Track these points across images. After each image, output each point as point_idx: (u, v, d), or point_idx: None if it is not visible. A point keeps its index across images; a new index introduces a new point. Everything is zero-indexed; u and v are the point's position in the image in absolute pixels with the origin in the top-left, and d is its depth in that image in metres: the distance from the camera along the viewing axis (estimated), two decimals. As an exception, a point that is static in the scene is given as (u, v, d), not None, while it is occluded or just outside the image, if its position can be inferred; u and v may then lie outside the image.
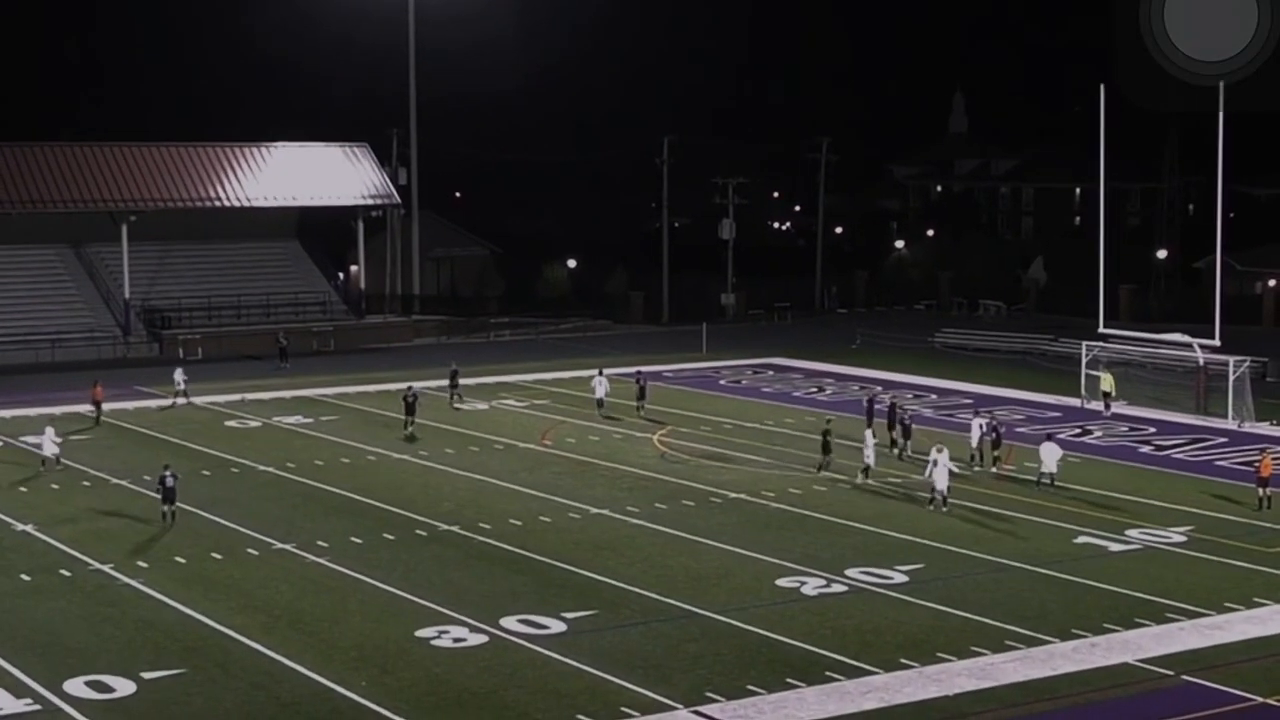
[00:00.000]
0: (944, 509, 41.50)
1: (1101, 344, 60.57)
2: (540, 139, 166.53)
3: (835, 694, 27.65)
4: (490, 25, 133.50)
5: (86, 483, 46.13)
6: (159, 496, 40.66)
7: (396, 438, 53.25)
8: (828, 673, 28.62)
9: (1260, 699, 27.32)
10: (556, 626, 31.49)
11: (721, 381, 67.85)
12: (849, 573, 35.43)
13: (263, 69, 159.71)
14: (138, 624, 31.95)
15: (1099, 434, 54.03)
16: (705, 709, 26.98)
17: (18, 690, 27.87)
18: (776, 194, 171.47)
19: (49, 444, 47.98)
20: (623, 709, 26.90)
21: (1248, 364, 56.67)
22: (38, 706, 27.18)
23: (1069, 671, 28.78)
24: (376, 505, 42.96)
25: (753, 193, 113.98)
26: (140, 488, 44.51)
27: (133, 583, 34.97)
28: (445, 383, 61.22)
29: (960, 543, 38.27)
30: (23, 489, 45.39)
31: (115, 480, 46.34)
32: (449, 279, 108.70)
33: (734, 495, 43.97)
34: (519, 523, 40.72)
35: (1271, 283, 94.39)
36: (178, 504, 40.57)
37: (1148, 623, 31.60)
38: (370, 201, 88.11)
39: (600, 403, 58.49)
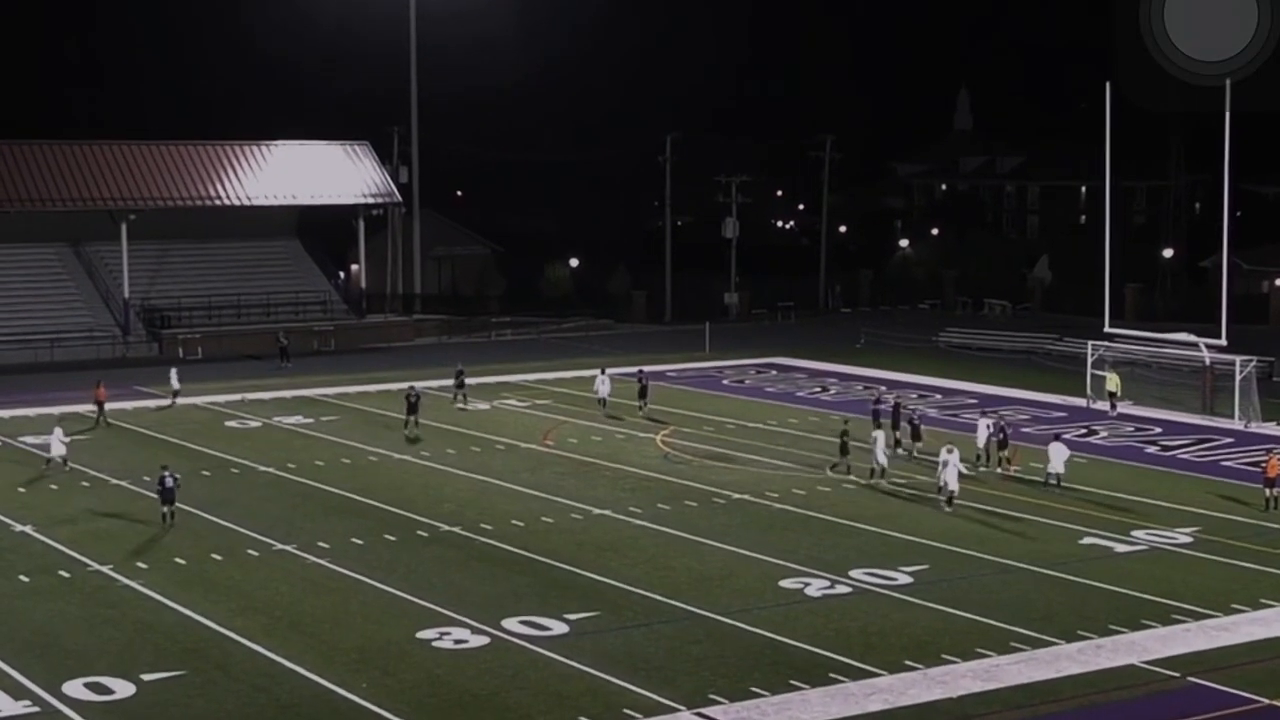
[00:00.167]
0: (948, 509, 41.28)
1: (1107, 343, 60.37)
2: (541, 137, 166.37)
3: (839, 696, 27.47)
4: (491, 23, 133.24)
5: (86, 483, 45.96)
6: (158, 498, 40.43)
7: (399, 438, 53.05)
8: (831, 674, 28.44)
9: (1267, 701, 27.13)
10: (559, 628, 31.31)
11: (724, 381, 67.67)
12: (853, 574, 35.25)
13: (263, 67, 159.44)
14: (137, 625, 31.78)
15: (1104, 434, 53.82)
16: (708, 711, 26.80)
17: (16, 692, 27.70)
18: (780, 192, 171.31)
19: (57, 444, 47.74)
20: (625, 711, 26.72)
21: (1254, 363, 56.44)
22: (36, 708, 27.01)
23: (1074, 673, 28.60)
24: (377, 506, 42.79)
25: (756, 191, 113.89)
26: (140, 488, 44.32)
27: (132, 584, 34.80)
28: (450, 382, 60.99)
29: (965, 544, 38.08)
30: (21, 489, 45.21)
31: (115, 481, 46.16)
32: (450, 278, 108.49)
33: (737, 496, 43.78)
34: (521, 523, 40.53)
35: (1278, 282, 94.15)
36: (177, 504, 40.36)
37: (1154, 624, 31.41)
38: (371, 200, 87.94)
39: (603, 402, 58.32)
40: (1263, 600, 33.11)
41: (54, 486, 45.58)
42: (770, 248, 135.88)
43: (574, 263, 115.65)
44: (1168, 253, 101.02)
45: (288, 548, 38.11)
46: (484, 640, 30.53)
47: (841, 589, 34.16)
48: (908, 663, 29.07)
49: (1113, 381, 58.00)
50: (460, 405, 59.48)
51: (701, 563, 36.53)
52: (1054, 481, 44.25)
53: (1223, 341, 57.15)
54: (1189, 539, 38.65)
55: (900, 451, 48.82)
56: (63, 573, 35.83)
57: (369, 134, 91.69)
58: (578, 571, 35.73)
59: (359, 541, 38.65)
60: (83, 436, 52.77)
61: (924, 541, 38.22)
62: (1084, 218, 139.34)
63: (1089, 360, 60.23)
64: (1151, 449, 51.36)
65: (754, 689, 27.71)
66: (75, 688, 27.89)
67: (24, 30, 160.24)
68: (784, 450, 50.70)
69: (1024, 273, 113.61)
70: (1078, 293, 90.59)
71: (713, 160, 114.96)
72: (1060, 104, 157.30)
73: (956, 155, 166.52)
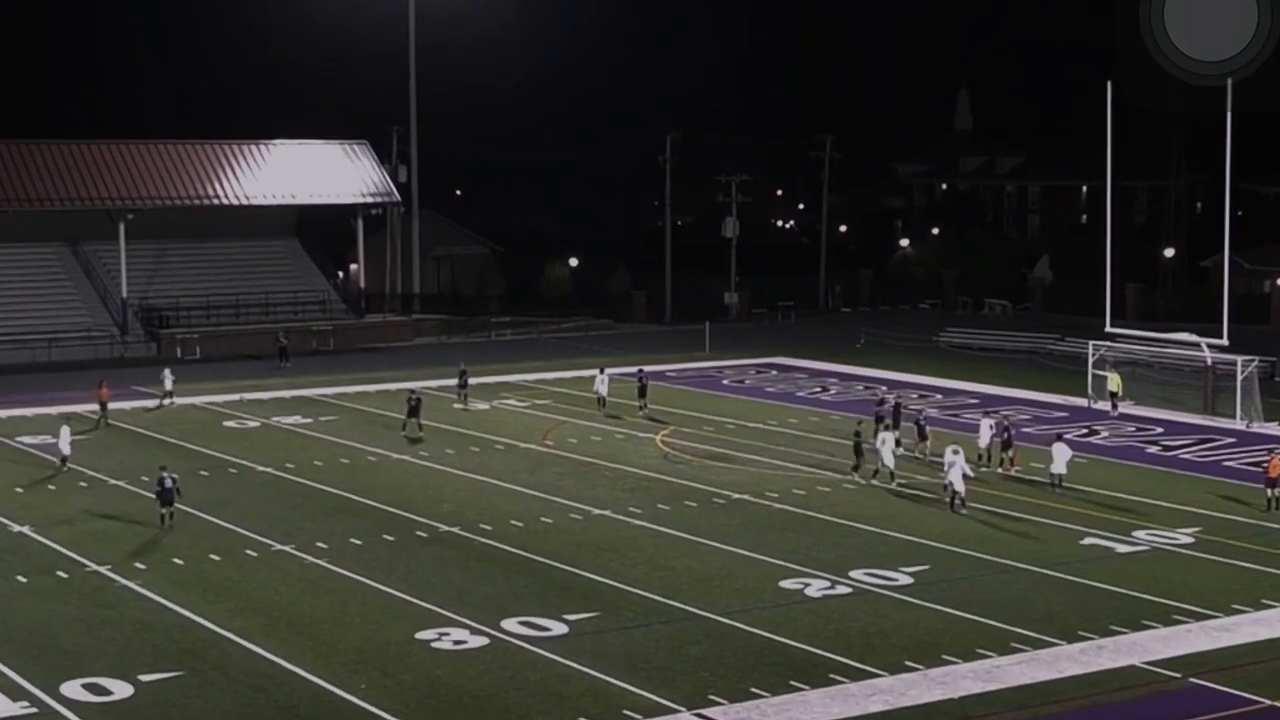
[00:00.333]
0: (952, 508, 41.20)
1: (1108, 343, 60.28)
2: (541, 137, 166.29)
3: (839, 696, 27.38)
4: (491, 23, 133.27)
5: (84, 483, 45.86)
6: (157, 500, 40.31)
7: (398, 438, 52.93)
8: (832, 675, 28.34)
9: (1268, 701, 27.04)
10: (558, 628, 31.21)
11: (724, 381, 67.58)
12: (853, 574, 35.15)
13: (262, 67, 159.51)
14: (135, 626, 31.68)
15: (1106, 434, 53.73)
16: (708, 711, 26.71)
17: (14, 693, 27.60)
18: (780, 192, 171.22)
19: (65, 443, 47.68)
20: (625, 711, 26.63)
21: (1256, 363, 56.36)
22: (34, 709, 26.92)
23: (1075, 674, 28.50)
24: (376, 506, 42.69)
25: (756, 191, 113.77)
26: (138, 488, 44.21)
27: (130, 584, 34.70)
28: (454, 382, 60.83)
29: (966, 544, 37.98)
30: (19, 489, 45.11)
31: (113, 481, 46.07)
32: (449, 278, 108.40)
33: (737, 496, 43.69)
34: (520, 524, 40.44)
35: (1279, 281, 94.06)
36: (176, 505, 40.24)
37: (1155, 625, 31.32)
38: (370, 199, 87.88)
39: (602, 401, 58.24)
40: (1264, 601, 33.00)
41: (52, 487, 45.49)
42: (770, 247, 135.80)
43: (574, 263, 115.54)
44: (1168, 252, 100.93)
45: (286, 548, 38.02)
46: (483, 641, 30.43)
47: (842, 589, 34.06)
48: (908, 663, 28.98)
49: (1114, 381, 57.91)
50: (461, 405, 59.37)
51: (701, 563, 36.44)
52: (1056, 482, 44.15)
53: (1224, 341, 57.06)
54: (1190, 539, 38.55)
55: (901, 451, 48.65)
56: (60, 573, 35.74)
57: (369, 134, 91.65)
58: (577, 572, 35.63)
59: (358, 542, 38.56)
60: (82, 436, 52.61)
61: (924, 542, 38.12)
62: (1084, 217, 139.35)
63: (1090, 360, 60.14)
64: (1153, 449, 51.27)
65: (754, 689, 27.61)
66: (73, 688, 27.79)
67: (24, 30, 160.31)
68: (784, 450, 50.61)
69: (1024, 273, 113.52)
70: (1078, 293, 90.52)
71: (713, 160, 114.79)
72: (1060, 104, 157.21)
73: (956, 155, 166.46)
